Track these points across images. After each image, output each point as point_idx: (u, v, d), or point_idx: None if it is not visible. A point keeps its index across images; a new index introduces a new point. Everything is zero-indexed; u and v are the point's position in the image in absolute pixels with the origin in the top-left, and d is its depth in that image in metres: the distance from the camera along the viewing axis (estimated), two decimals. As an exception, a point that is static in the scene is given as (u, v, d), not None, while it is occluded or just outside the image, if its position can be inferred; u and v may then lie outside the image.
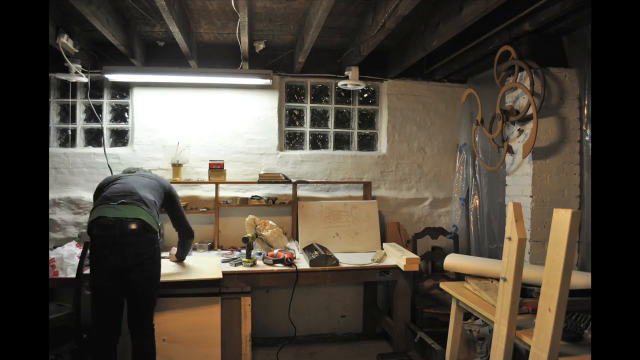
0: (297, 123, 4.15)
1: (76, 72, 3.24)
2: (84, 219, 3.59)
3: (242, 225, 3.63)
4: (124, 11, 3.00)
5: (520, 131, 2.98)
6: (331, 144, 4.14)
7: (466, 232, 3.91)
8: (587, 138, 2.93)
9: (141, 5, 2.86)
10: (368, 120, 4.26)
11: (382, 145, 4.14)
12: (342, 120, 4.20)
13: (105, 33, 2.80)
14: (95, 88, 3.78)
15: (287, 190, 3.88)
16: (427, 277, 3.67)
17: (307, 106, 4.09)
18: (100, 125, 3.76)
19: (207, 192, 3.79)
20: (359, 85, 3.69)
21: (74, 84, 3.71)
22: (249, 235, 3.08)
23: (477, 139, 3.65)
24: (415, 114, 4.10)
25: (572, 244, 1.55)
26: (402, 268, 2.98)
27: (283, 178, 3.71)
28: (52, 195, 3.58)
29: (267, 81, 3.42)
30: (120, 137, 3.88)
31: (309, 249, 3.23)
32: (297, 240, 3.62)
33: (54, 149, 3.69)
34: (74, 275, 2.81)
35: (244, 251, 3.46)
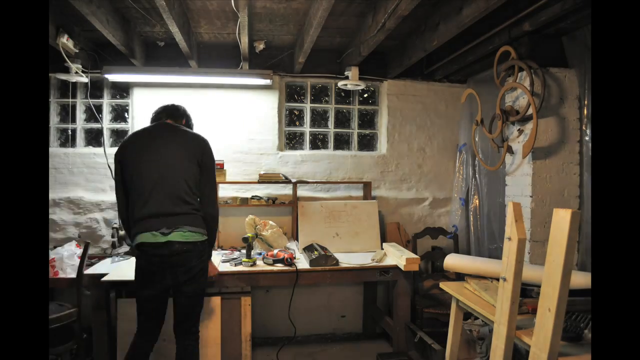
0: (297, 123, 4.15)
1: (76, 72, 3.24)
2: (84, 219, 3.60)
3: (242, 225, 3.63)
4: (124, 11, 3.00)
5: (520, 131, 2.98)
6: (331, 144, 4.14)
7: (466, 232, 3.91)
8: (587, 138, 2.93)
9: (141, 5, 2.86)
10: (368, 120, 4.26)
11: (382, 145, 4.14)
12: (342, 120, 4.20)
13: (105, 33, 2.80)
14: (95, 88, 3.78)
15: (287, 190, 3.88)
16: (427, 277, 3.67)
17: (307, 106, 4.09)
18: (100, 125, 3.76)
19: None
20: (359, 85, 3.69)
21: (74, 84, 3.71)
22: (249, 235, 3.08)
23: (477, 139, 3.65)
24: (415, 114, 4.10)
25: (572, 244, 1.55)
26: (402, 268, 2.98)
27: (283, 178, 3.71)
28: (52, 195, 3.58)
29: (267, 81, 3.42)
30: (120, 137, 3.87)
31: (309, 249, 3.23)
32: (297, 240, 3.62)
33: (54, 149, 3.69)
34: (74, 275, 2.81)
35: (244, 251, 3.46)
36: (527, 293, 2.15)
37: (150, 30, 3.34)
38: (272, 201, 3.73)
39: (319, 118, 4.16)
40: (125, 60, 3.43)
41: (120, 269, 2.86)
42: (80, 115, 3.79)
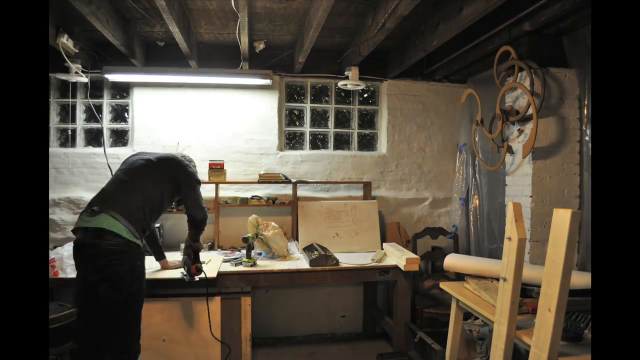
0: (297, 123, 4.15)
1: (76, 72, 3.24)
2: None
3: (243, 225, 3.63)
4: (124, 11, 3.00)
5: (520, 131, 2.98)
6: (331, 144, 4.14)
7: (466, 232, 3.91)
8: (587, 138, 2.93)
9: (141, 6, 2.86)
10: (368, 120, 4.26)
11: (382, 145, 4.14)
12: (342, 120, 4.20)
13: (105, 33, 2.81)
14: (95, 88, 3.78)
15: (287, 190, 3.88)
16: (427, 277, 3.67)
17: (307, 106, 4.09)
18: (100, 125, 3.76)
19: (207, 192, 3.78)
20: (359, 85, 3.69)
21: (74, 84, 3.71)
22: (249, 235, 3.08)
23: (477, 139, 3.65)
24: (415, 114, 4.10)
25: (572, 244, 1.55)
26: (402, 268, 2.98)
27: (283, 178, 3.71)
28: (52, 195, 3.58)
29: (267, 81, 3.42)
30: (120, 137, 3.88)
31: (309, 249, 3.23)
32: (297, 240, 3.62)
33: (54, 149, 3.69)
34: (74, 275, 2.80)
35: (244, 251, 3.46)
36: (527, 293, 2.15)
37: (150, 30, 3.34)
38: (272, 201, 3.73)
39: (319, 118, 4.16)
40: (125, 60, 3.43)
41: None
42: (80, 115, 3.79)
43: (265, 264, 3.04)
